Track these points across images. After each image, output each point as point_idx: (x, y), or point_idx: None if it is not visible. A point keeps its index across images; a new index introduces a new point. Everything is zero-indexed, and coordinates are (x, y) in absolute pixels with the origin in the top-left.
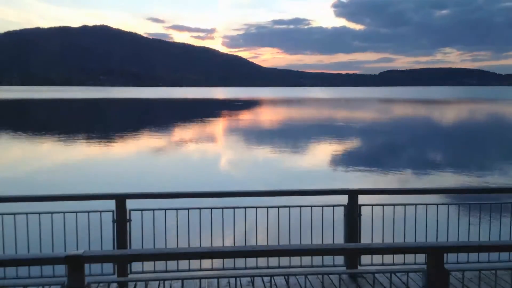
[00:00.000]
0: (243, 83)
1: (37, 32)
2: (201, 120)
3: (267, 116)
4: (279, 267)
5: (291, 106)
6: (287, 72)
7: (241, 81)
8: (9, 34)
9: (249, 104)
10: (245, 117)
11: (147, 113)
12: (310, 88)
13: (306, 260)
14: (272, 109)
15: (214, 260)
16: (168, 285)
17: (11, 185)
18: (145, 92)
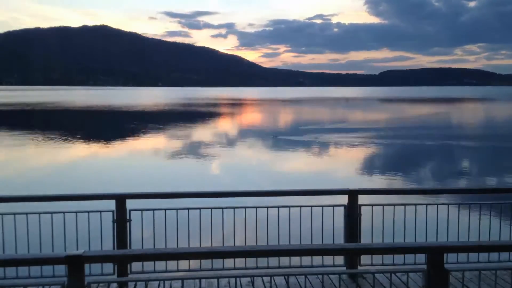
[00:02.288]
0: (242, 83)
1: (37, 32)
2: (201, 121)
3: (267, 117)
4: (279, 267)
5: (288, 106)
6: (287, 72)
7: (241, 81)
8: (9, 34)
9: (247, 104)
10: (244, 117)
11: (146, 114)
12: (309, 88)
13: (306, 260)
14: (271, 109)
15: (214, 260)
16: (168, 285)
17: (11, 185)
18: (144, 92)
